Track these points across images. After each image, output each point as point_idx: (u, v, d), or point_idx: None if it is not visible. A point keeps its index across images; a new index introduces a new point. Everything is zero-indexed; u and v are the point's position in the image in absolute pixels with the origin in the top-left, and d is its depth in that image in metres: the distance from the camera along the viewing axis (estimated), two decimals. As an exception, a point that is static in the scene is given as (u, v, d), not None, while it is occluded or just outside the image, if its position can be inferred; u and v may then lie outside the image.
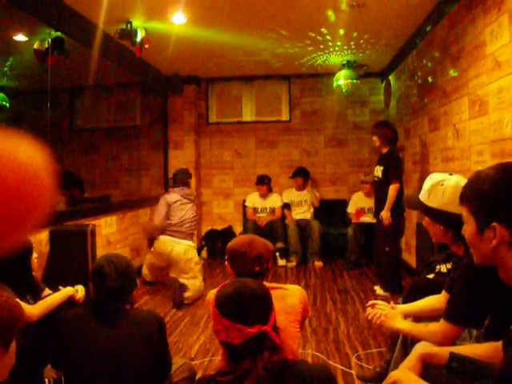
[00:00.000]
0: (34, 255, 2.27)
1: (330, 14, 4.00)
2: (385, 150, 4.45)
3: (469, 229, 1.20)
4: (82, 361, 1.62)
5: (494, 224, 1.10)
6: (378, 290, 4.46)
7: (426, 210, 1.83)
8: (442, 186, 1.75)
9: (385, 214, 4.25)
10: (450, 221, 1.72)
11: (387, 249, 4.34)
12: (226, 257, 1.86)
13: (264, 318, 1.19)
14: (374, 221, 5.63)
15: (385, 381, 1.39)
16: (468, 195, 1.21)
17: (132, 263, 1.83)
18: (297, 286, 1.94)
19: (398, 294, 4.32)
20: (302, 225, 5.95)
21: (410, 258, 5.05)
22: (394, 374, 1.36)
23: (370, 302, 1.98)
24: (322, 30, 4.47)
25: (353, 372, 2.76)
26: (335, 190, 6.58)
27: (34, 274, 2.35)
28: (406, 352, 1.93)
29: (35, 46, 3.99)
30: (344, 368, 2.81)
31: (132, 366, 1.63)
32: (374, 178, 4.62)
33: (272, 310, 1.23)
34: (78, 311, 1.79)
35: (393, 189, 4.21)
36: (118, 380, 1.61)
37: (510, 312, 1.34)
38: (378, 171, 4.44)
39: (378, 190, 4.47)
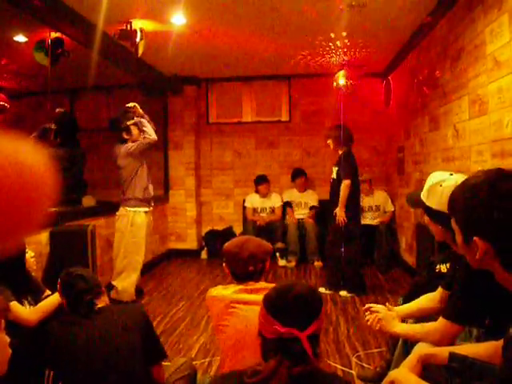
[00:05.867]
0: (30, 254, 2.26)
1: (330, 14, 4.00)
2: (340, 152, 4.49)
3: (457, 238, 1.23)
4: (70, 361, 1.67)
5: (475, 238, 1.13)
6: (323, 290, 4.41)
7: (426, 210, 1.83)
8: (440, 187, 1.75)
9: (339, 212, 4.26)
10: (448, 221, 1.72)
11: (342, 250, 4.31)
12: (224, 258, 1.89)
13: (301, 324, 1.14)
14: (375, 221, 5.67)
15: (384, 380, 1.39)
16: (453, 207, 1.24)
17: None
18: None
19: (363, 293, 4.32)
20: (301, 225, 5.95)
21: (410, 258, 5.05)
22: (392, 373, 1.36)
23: (367, 306, 1.96)
24: (322, 30, 4.47)
25: (353, 372, 2.76)
26: (335, 190, 6.57)
27: (33, 274, 2.35)
28: (406, 352, 1.93)
29: (46, 63, 4.02)
30: (344, 368, 2.81)
31: (119, 354, 1.68)
32: (330, 179, 4.62)
33: (315, 320, 1.17)
34: (58, 321, 1.84)
35: (344, 185, 4.25)
36: (108, 371, 1.66)
37: (509, 312, 1.33)
38: (334, 172, 4.49)
39: (333, 191, 4.48)
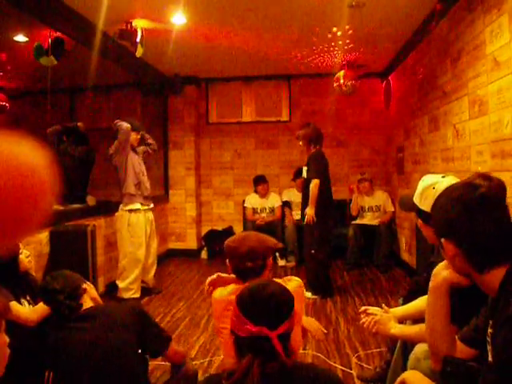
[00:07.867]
0: (25, 254, 2.24)
1: (331, 14, 4.00)
2: (311, 152, 4.46)
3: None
4: (69, 361, 1.68)
5: (442, 240, 1.21)
6: (308, 294, 4.24)
7: (419, 213, 1.82)
8: (433, 190, 1.74)
9: (309, 211, 4.25)
10: None
11: (312, 251, 4.30)
12: (226, 254, 1.87)
13: (272, 324, 1.15)
14: (375, 221, 5.67)
15: (396, 381, 1.42)
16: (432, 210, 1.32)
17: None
18: (296, 283, 1.86)
19: (328, 296, 4.29)
20: (300, 225, 5.94)
21: (410, 258, 5.06)
22: (404, 374, 1.40)
23: (363, 308, 1.94)
24: (323, 30, 4.47)
25: (353, 372, 2.76)
26: (335, 190, 6.51)
27: (33, 274, 2.35)
28: (405, 353, 1.93)
29: (50, 63, 4.03)
30: (344, 368, 2.81)
31: (115, 354, 1.68)
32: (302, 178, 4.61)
33: (286, 320, 1.18)
34: (56, 322, 1.84)
35: (312, 185, 4.23)
36: (106, 371, 1.66)
37: (487, 314, 1.33)
38: (304, 172, 4.48)
39: (304, 190, 4.47)
